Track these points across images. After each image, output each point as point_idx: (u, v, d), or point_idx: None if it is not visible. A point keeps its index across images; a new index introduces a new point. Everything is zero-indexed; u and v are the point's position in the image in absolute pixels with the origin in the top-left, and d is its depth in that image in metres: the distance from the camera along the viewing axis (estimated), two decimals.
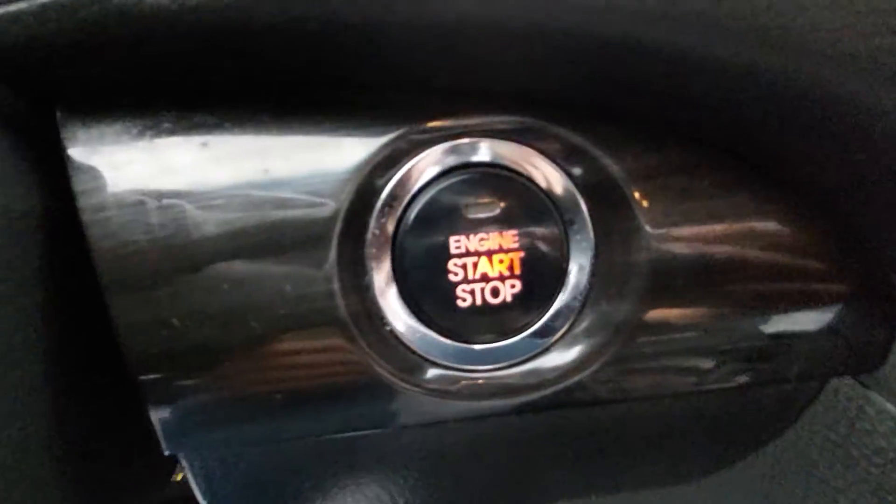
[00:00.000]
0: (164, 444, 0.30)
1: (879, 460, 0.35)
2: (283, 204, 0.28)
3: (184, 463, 0.34)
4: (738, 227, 0.30)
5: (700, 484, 0.42)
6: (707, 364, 0.32)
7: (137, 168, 0.28)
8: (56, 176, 0.28)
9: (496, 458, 0.37)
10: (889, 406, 0.34)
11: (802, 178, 0.30)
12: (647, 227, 0.30)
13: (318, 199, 0.28)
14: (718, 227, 0.30)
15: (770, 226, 0.30)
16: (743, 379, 0.32)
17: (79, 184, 0.27)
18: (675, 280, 0.30)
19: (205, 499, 0.35)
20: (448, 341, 0.30)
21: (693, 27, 0.24)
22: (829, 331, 0.32)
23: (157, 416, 0.29)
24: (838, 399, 0.37)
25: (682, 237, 0.30)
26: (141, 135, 0.28)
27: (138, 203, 0.28)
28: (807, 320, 0.32)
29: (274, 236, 0.28)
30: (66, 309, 0.29)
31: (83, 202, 0.27)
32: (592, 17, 0.24)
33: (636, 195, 0.30)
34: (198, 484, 0.35)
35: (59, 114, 0.28)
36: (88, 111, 0.28)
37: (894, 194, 0.28)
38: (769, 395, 0.37)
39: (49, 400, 0.28)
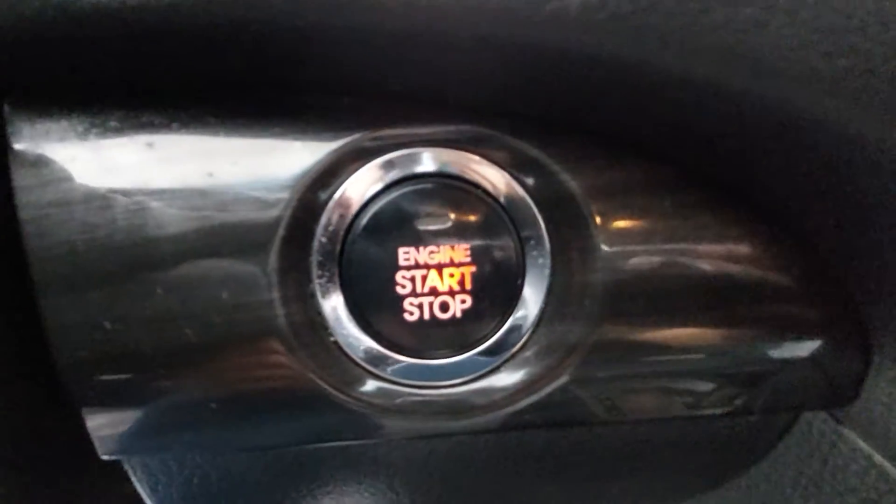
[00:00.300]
0: (98, 449, 0.29)
1: (852, 500, 0.33)
2: (224, 208, 0.27)
3: (127, 469, 0.33)
4: (700, 249, 0.29)
5: None
6: (665, 392, 0.31)
7: (80, 166, 0.27)
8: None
9: (450, 476, 0.36)
10: (862, 444, 0.32)
11: (769, 200, 0.29)
12: (604, 247, 0.29)
13: (261, 204, 0.27)
14: (679, 249, 0.29)
15: (734, 250, 0.29)
16: (704, 409, 0.31)
17: (19, 179, 0.27)
18: (631, 302, 0.29)
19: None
20: (394, 355, 0.29)
21: (644, 42, 0.23)
22: (798, 362, 0.31)
23: (90, 420, 0.29)
24: (812, 434, 0.35)
25: (641, 258, 0.29)
26: (86, 132, 0.27)
27: (78, 202, 0.27)
28: (773, 350, 0.30)
29: (213, 241, 0.27)
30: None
31: (22, 198, 0.27)
32: (538, 29, 0.23)
33: (594, 212, 0.29)
34: (143, 490, 0.34)
35: (6, 108, 0.27)
36: (35, 107, 0.28)
37: (862, 221, 0.27)
38: (738, 426, 0.35)
39: None
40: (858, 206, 0.27)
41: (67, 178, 0.27)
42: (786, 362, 0.31)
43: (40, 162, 0.27)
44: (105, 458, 0.30)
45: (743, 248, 0.29)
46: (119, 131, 0.27)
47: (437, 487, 0.37)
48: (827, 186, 0.27)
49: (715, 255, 0.29)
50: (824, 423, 0.34)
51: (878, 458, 0.31)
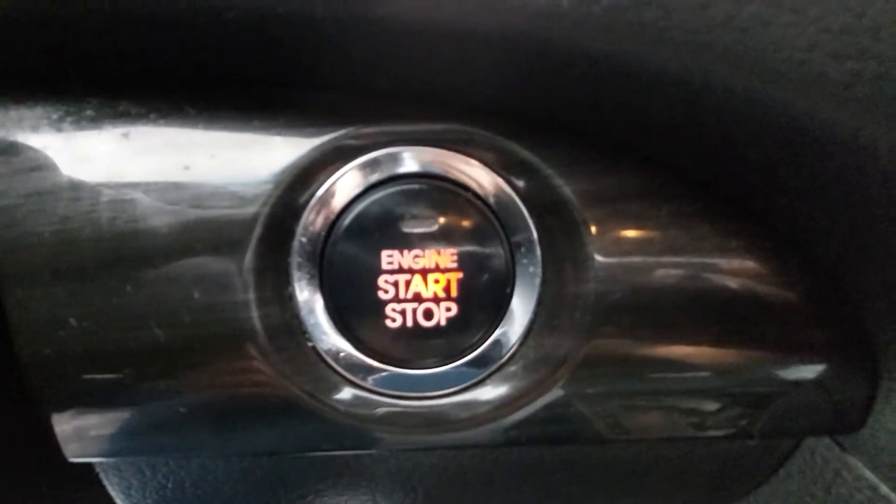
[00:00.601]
0: (65, 451, 0.28)
1: None
2: (200, 203, 0.26)
3: (98, 472, 0.32)
4: (698, 262, 0.27)
5: None
6: (659, 411, 0.29)
7: (53, 155, 0.26)
8: None
9: (434, 491, 0.35)
10: (868, 473, 0.30)
11: (772, 212, 0.27)
12: (598, 256, 0.27)
13: (238, 200, 0.26)
14: (676, 261, 0.27)
15: (735, 264, 0.27)
16: (699, 431, 0.29)
17: None
18: (625, 316, 0.28)
19: None
20: (374, 363, 0.28)
21: (641, 38, 0.22)
22: (801, 385, 0.29)
23: (57, 421, 0.28)
24: (815, 460, 0.33)
25: (636, 269, 0.27)
26: (61, 121, 0.26)
27: (48, 192, 0.26)
28: (774, 372, 0.29)
29: (187, 237, 0.26)
30: None
31: None
32: (531, 22, 0.22)
33: (588, 220, 0.27)
34: (115, 494, 0.33)
35: None
36: (9, 94, 0.27)
37: (873, 236, 0.25)
38: (737, 450, 0.33)
39: None
40: (869, 221, 0.26)
41: (39, 168, 0.26)
42: (787, 385, 0.29)
43: (12, 150, 0.26)
44: (72, 460, 0.29)
45: (744, 262, 0.28)
46: (94, 120, 0.26)
47: (420, 502, 0.36)
48: (835, 198, 0.25)
49: (714, 268, 0.27)
50: (828, 451, 0.32)
51: (884, 489, 0.30)
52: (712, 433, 0.29)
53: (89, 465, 0.33)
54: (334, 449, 0.29)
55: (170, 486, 0.33)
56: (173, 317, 0.26)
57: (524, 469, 0.35)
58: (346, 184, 0.27)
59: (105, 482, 0.33)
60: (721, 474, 0.35)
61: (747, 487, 0.36)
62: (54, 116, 0.26)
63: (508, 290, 0.28)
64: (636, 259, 0.27)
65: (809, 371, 0.29)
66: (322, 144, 0.27)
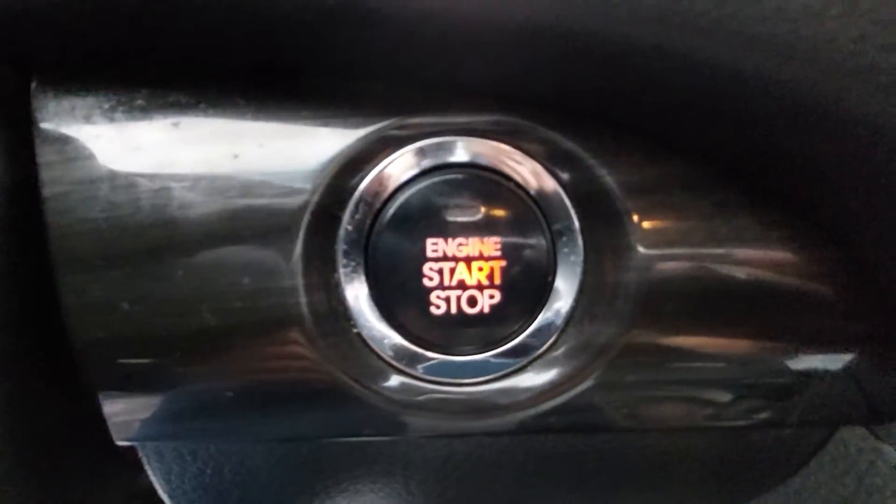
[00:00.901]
0: (114, 435, 0.29)
1: None
2: (249, 191, 0.27)
3: (141, 457, 0.32)
4: (739, 253, 0.28)
5: None
6: (697, 400, 0.29)
7: (104, 144, 0.27)
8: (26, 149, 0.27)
9: (468, 479, 0.35)
10: None
11: (814, 203, 0.28)
12: (640, 246, 0.28)
13: (287, 190, 0.27)
14: (717, 252, 0.28)
15: (776, 254, 0.28)
16: (737, 420, 0.30)
17: (43, 156, 0.26)
18: (665, 305, 0.28)
19: (165, 493, 0.34)
20: (418, 349, 0.29)
21: (692, 30, 0.22)
22: (838, 375, 0.29)
23: (107, 404, 0.28)
24: (848, 450, 0.34)
25: (677, 259, 0.28)
26: (112, 110, 0.27)
27: (100, 180, 0.26)
28: (813, 361, 0.29)
29: (237, 225, 0.27)
30: (17, 290, 0.28)
31: (45, 175, 0.26)
32: (588, 15, 0.22)
33: (630, 210, 0.28)
34: (156, 480, 0.33)
35: (33, 84, 0.27)
36: (63, 83, 0.27)
37: None
38: (769, 440, 0.34)
39: None
40: None
41: (91, 156, 0.27)
42: (826, 374, 0.29)
43: (65, 139, 0.27)
44: (120, 443, 0.29)
45: (784, 253, 0.28)
46: (145, 110, 0.27)
47: (453, 489, 0.36)
48: (877, 191, 0.26)
49: (755, 260, 0.28)
50: (863, 441, 0.32)
51: None
52: (747, 422, 0.30)
53: (133, 450, 0.33)
54: (377, 434, 0.29)
55: (209, 471, 0.34)
56: (223, 302, 0.27)
57: (556, 459, 0.36)
58: (391, 173, 0.28)
59: (147, 467, 0.34)
60: (751, 465, 0.35)
61: (778, 478, 0.36)
62: (105, 106, 0.27)
63: (550, 279, 0.28)
64: (678, 250, 0.28)
65: (845, 361, 0.29)
66: (368, 134, 0.27)
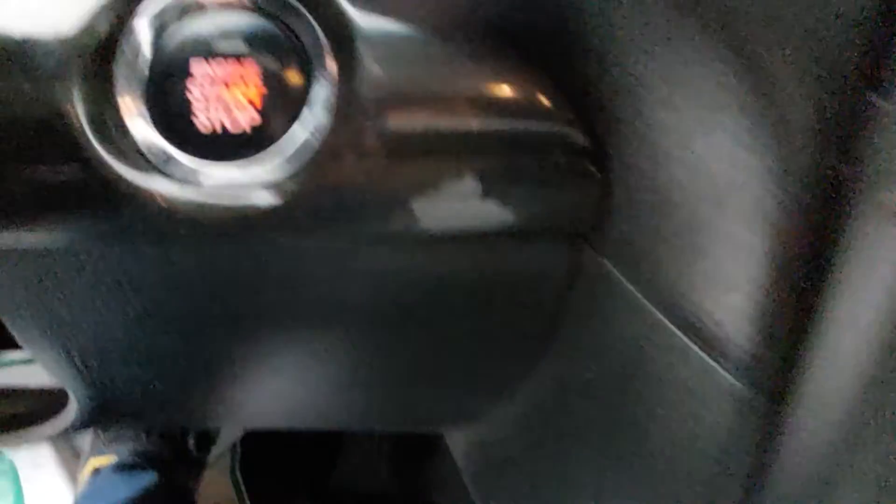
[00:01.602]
0: None
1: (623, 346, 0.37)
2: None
3: None
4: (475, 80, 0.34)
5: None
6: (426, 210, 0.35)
7: None
8: None
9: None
10: (616, 273, 0.36)
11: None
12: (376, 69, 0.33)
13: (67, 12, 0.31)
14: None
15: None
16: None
17: None
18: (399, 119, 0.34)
19: None
20: (185, 157, 0.33)
21: None
22: (531, 181, 0.36)
23: None
24: (588, 277, 0.39)
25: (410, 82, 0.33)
26: None
27: None
28: (508, 166, 0.35)
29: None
30: None
31: None
32: None
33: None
34: None
35: None
36: None
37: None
38: (520, 261, 0.39)
39: None
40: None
41: None
42: (521, 180, 0.35)
43: None
44: None
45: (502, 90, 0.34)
46: None
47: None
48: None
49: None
50: (591, 261, 0.37)
51: (627, 286, 0.35)
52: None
53: None
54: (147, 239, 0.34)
55: None
56: (3, 106, 0.31)
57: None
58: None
59: None
60: (513, 287, 0.41)
61: (537, 303, 0.41)
62: None
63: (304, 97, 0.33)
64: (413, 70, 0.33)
65: (538, 164, 0.35)
66: None
